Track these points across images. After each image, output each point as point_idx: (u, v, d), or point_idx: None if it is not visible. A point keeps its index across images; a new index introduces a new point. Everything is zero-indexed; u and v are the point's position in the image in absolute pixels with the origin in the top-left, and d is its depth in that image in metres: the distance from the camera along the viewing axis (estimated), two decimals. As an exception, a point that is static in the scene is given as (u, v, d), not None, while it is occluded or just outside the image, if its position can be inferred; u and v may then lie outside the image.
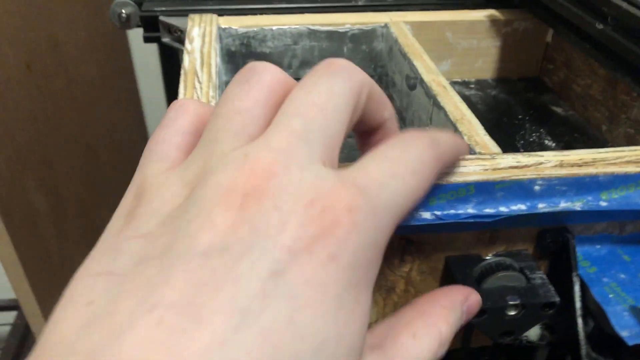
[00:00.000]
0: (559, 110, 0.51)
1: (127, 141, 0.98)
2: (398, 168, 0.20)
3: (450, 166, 0.27)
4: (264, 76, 0.21)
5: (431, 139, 0.23)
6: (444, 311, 0.24)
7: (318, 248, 0.17)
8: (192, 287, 0.16)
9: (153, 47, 1.08)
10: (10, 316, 0.84)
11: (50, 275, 0.59)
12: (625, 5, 0.37)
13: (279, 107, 0.21)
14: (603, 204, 0.31)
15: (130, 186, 0.22)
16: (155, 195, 0.20)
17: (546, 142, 0.46)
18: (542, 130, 0.47)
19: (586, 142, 0.46)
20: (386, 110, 0.24)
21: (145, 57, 1.07)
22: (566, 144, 0.46)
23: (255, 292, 0.16)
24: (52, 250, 0.59)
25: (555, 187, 0.31)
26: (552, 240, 0.33)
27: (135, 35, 1.04)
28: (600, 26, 0.39)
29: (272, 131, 0.20)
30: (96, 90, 0.81)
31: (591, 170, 0.31)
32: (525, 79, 0.56)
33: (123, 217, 0.20)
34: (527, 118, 0.49)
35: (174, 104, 0.23)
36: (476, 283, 0.32)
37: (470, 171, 0.31)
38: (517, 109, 0.50)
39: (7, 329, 0.78)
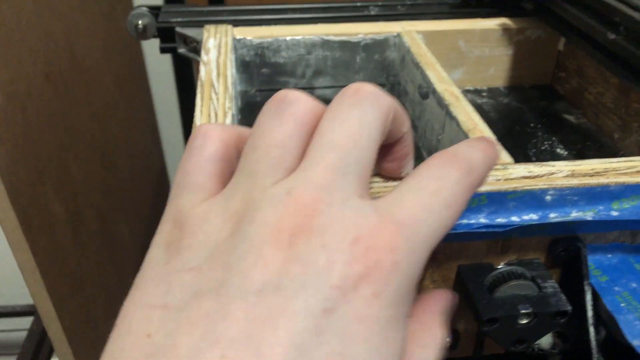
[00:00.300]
0: (571, 118, 0.51)
1: (142, 149, 0.99)
2: (434, 202, 0.21)
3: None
4: (296, 107, 0.22)
5: (467, 167, 0.23)
6: (439, 317, 0.25)
7: (364, 286, 0.18)
8: (250, 323, 0.17)
9: (166, 57, 1.09)
10: (26, 322, 0.85)
11: (66, 281, 0.60)
12: (637, 15, 0.37)
13: (311, 135, 0.22)
14: (614, 213, 0.32)
15: (165, 216, 0.22)
16: (199, 228, 0.20)
17: (558, 150, 0.46)
18: (554, 138, 0.47)
19: (598, 150, 0.46)
20: (405, 125, 0.25)
21: (158, 66, 1.09)
22: (578, 152, 0.46)
23: (310, 329, 0.17)
24: (69, 256, 0.61)
25: (567, 197, 0.32)
26: (563, 249, 0.33)
27: (149, 45, 1.05)
28: (612, 36, 0.39)
29: (310, 165, 0.20)
30: (112, 99, 0.82)
31: (602, 180, 0.32)
32: (538, 87, 0.56)
33: (164, 247, 0.21)
34: (539, 126, 0.49)
35: (197, 131, 0.24)
36: (488, 292, 0.32)
37: (483, 181, 0.31)
38: (529, 116, 0.51)
39: (24, 334, 0.79)
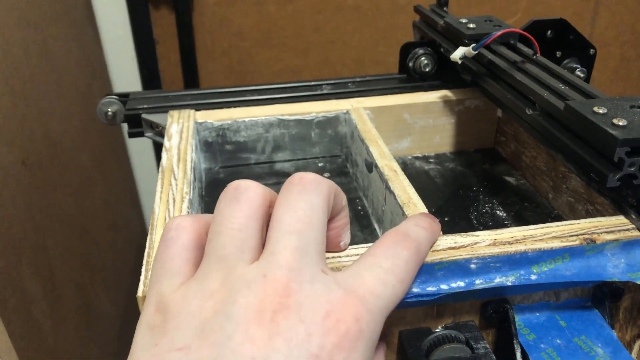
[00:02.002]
0: (511, 180, 0.55)
1: (122, 220, 1.02)
2: (389, 278, 0.26)
3: None
4: (251, 193, 0.26)
5: (416, 247, 0.29)
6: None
7: (337, 352, 0.22)
8: None
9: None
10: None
11: (45, 358, 0.61)
12: (546, 94, 0.42)
13: (267, 217, 0.26)
14: (534, 277, 0.35)
15: (147, 303, 0.25)
16: (181, 309, 0.24)
17: (497, 212, 0.50)
18: (494, 200, 0.51)
19: (534, 211, 0.50)
20: (342, 200, 0.30)
21: (138, 142, 1.13)
22: (516, 214, 0.50)
23: None
24: (46, 333, 0.62)
25: (490, 264, 0.35)
26: (493, 311, 0.37)
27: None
28: (529, 112, 0.44)
29: (275, 249, 0.24)
30: (90, 176, 0.85)
31: (521, 247, 0.35)
32: (482, 150, 0.60)
33: (149, 330, 0.24)
34: (481, 189, 0.53)
35: (170, 224, 0.27)
36: (425, 356, 0.35)
37: (413, 253, 0.35)
38: (472, 180, 0.55)
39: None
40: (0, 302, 0.52)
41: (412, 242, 0.29)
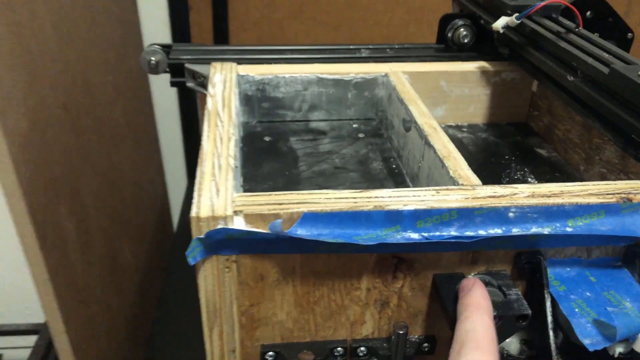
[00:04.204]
0: (543, 152, 0.56)
1: (147, 179, 1.04)
2: None
3: None
4: None
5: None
6: None
7: None
8: None
9: (172, 93, 1.15)
10: (28, 340, 0.88)
11: (74, 296, 0.63)
12: (590, 60, 0.43)
13: None
14: (569, 229, 0.36)
15: None
16: None
17: (529, 180, 0.51)
18: (526, 169, 0.52)
19: (565, 181, 0.51)
20: None
21: (164, 102, 1.15)
22: (547, 182, 0.51)
23: None
24: (77, 273, 0.64)
25: (528, 214, 0.36)
26: (526, 261, 0.38)
27: (155, 79, 1.12)
28: (571, 78, 0.45)
29: None
30: (121, 130, 0.87)
31: (558, 200, 0.36)
32: (514, 124, 0.61)
33: None
34: (513, 159, 0.54)
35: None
36: (459, 297, 0.36)
37: (454, 199, 0.36)
38: (504, 150, 0.56)
39: (27, 352, 0.82)
40: (41, 237, 0.54)
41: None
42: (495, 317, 0.35)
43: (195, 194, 0.35)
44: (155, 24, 1.09)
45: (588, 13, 0.58)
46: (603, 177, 0.48)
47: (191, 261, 0.34)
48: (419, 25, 1.15)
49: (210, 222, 0.33)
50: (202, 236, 0.33)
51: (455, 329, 0.32)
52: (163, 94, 1.14)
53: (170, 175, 1.22)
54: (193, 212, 0.33)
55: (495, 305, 0.35)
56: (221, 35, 1.10)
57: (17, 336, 0.98)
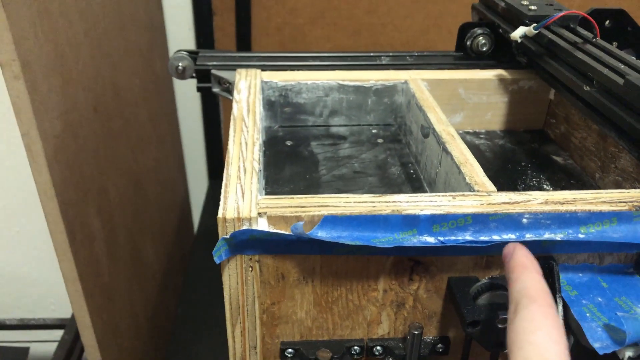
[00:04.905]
0: (559, 159, 0.57)
1: (170, 181, 1.07)
2: None
3: None
4: None
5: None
6: None
7: None
8: None
9: (195, 98, 1.18)
10: (55, 335, 0.91)
11: (101, 293, 0.66)
12: (606, 71, 0.44)
13: None
14: (581, 236, 0.37)
15: None
16: None
17: (545, 187, 0.52)
18: (542, 176, 0.53)
19: (580, 188, 0.52)
20: None
21: (188, 105, 1.18)
22: (562, 189, 0.52)
23: None
24: (103, 269, 0.67)
25: (541, 220, 0.37)
26: (540, 266, 0.39)
27: (180, 83, 1.14)
28: (587, 88, 0.46)
29: None
30: (146, 131, 0.90)
31: (571, 207, 0.38)
32: (531, 131, 0.62)
33: None
34: (529, 165, 0.55)
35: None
36: (472, 300, 0.38)
37: (469, 205, 0.37)
38: (521, 157, 0.57)
39: (53, 346, 0.85)
40: (70, 233, 0.57)
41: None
42: (506, 319, 0.36)
43: (222, 196, 0.37)
44: (180, 29, 1.12)
45: (607, 22, 0.59)
46: (618, 185, 0.49)
47: (217, 260, 0.36)
48: (438, 30, 1.16)
49: (235, 223, 0.35)
50: (227, 236, 0.35)
51: (508, 293, 0.32)
52: (186, 97, 1.16)
53: (192, 176, 1.25)
54: (220, 214, 0.35)
55: (507, 307, 0.36)
56: (244, 39, 1.12)
57: (43, 330, 1.02)
